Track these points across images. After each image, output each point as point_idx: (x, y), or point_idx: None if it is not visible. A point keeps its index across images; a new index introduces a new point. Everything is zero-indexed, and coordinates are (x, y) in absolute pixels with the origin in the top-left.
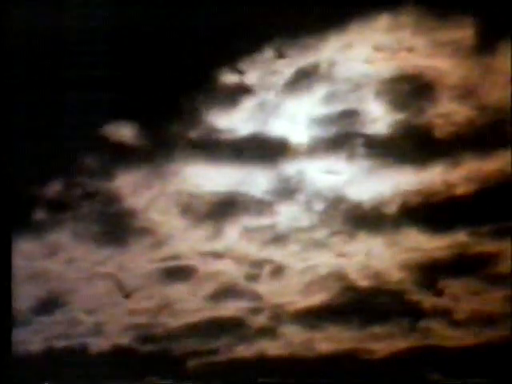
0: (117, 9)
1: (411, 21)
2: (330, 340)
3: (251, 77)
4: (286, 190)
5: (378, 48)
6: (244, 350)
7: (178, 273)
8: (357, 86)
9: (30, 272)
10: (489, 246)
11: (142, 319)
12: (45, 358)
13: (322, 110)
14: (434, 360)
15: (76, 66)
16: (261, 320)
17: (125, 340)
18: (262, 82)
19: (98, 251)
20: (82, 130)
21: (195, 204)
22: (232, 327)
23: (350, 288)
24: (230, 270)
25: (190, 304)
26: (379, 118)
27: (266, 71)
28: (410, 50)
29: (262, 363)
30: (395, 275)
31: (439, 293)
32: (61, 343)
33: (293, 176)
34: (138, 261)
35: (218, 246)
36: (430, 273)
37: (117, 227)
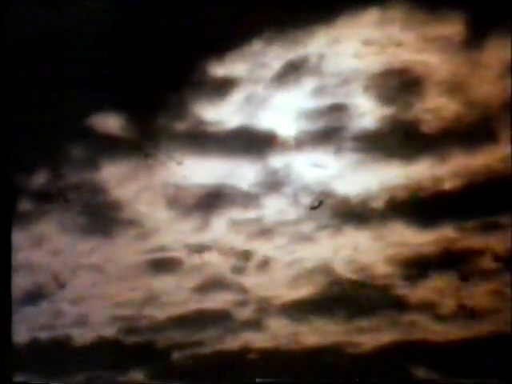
0: (103, 2)
1: (400, 15)
2: (315, 333)
3: (239, 69)
4: (273, 183)
5: (366, 42)
6: (230, 343)
7: (164, 265)
8: (345, 81)
9: (14, 262)
10: (475, 241)
11: (127, 311)
12: (29, 349)
13: (311, 104)
14: (419, 354)
15: (62, 58)
16: (247, 313)
17: (110, 331)
18: (250, 74)
19: (84, 242)
20: (69, 120)
21: (182, 196)
22: (218, 320)
23: (337, 282)
24: (216, 262)
25: (175, 296)
26: (367, 112)
27: (254, 64)
28: (399, 44)
29: (248, 356)
30: (382, 269)
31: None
32: (45, 334)
33: (280, 169)
34: (123, 252)
35: (205, 238)
36: (417, 267)
37: (103, 218)
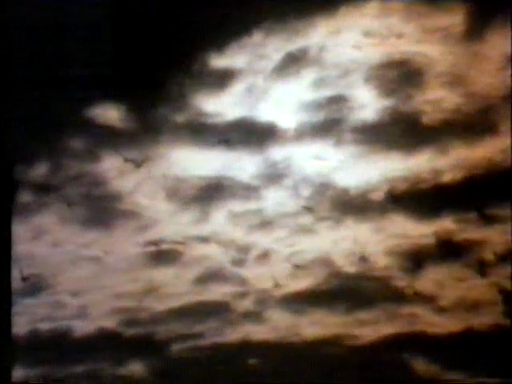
0: None
1: (400, 7)
2: (315, 325)
3: (239, 61)
4: (273, 175)
5: (367, 34)
6: (229, 335)
7: (164, 257)
8: (345, 72)
9: (14, 254)
10: (475, 233)
11: (126, 303)
12: (29, 341)
13: (311, 96)
14: (418, 346)
15: (62, 48)
16: (246, 304)
17: (109, 323)
18: (250, 66)
19: (83, 234)
20: (68, 112)
21: (181, 188)
22: (218, 312)
23: (337, 274)
24: (215, 254)
25: (175, 288)
26: (367, 104)
27: (254, 55)
28: (400, 36)
29: (247, 347)
30: (381, 261)
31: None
32: (45, 326)
33: (280, 161)
34: (123, 244)
35: (204, 230)
36: (417, 259)
37: (102, 210)
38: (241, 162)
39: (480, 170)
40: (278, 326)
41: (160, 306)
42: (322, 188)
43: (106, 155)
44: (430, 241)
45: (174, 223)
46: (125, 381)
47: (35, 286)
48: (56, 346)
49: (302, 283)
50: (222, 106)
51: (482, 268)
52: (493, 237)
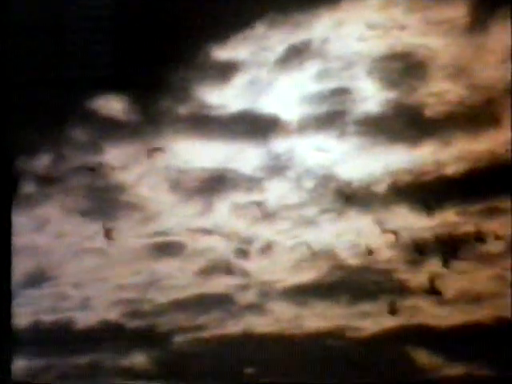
0: None
1: None
2: (317, 317)
3: (242, 53)
4: (276, 167)
5: (370, 26)
6: (232, 327)
7: (167, 249)
8: (349, 64)
9: (17, 245)
10: (478, 226)
11: (129, 294)
12: (32, 332)
13: (314, 88)
14: (420, 338)
15: (66, 39)
16: (249, 297)
17: (112, 315)
18: (253, 58)
19: (87, 226)
20: (71, 102)
21: (184, 180)
22: (220, 303)
23: (339, 266)
24: (218, 246)
25: (178, 280)
26: (371, 96)
27: (257, 47)
28: (403, 28)
29: (250, 339)
30: (384, 253)
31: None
32: (48, 317)
33: (283, 153)
34: (126, 236)
35: (208, 222)
36: (419, 251)
37: (105, 202)
38: (244, 153)
39: (483, 162)
40: (280, 317)
41: (163, 297)
42: (325, 180)
43: (109, 147)
44: (434, 233)
45: (177, 215)
46: (127, 372)
47: (38, 278)
48: (59, 337)
49: (305, 275)
50: (224, 98)
51: (486, 260)
52: (495, 229)
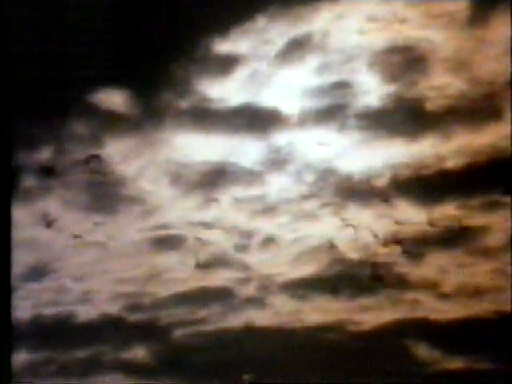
0: None
1: None
2: (318, 311)
3: (243, 46)
4: (277, 161)
5: (371, 19)
6: (232, 320)
7: (167, 242)
8: (349, 57)
9: (18, 239)
10: (478, 219)
11: (130, 288)
12: (32, 325)
13: (314, 81)
14: (421, 332)
15: (67, 32)
16: (249, 290)
17: (113, 308)
18: (253, 51)
19: (87, 219)
20: (72, 95)
21: (185, 173)
22: (220, 297)
23: (340, 260)
24: (219, 240)
25: (178, 273)
26: (371, 89)
27: (258, 41)
28: (404, 21)
29: (250, 333)
30: (384, 247)
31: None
32: (49, 311)
33: (283, 147)
34: (127, 229)
35: (208, 215)
36: (419, 245)
37: (106, 195)
38: (244, 147)
39: (484, 156)
40: (280, 311)
41: (163, 291)
42: (326, 174)
43: (110, 140)
44: (434, 227)
45: (177, 209)
46: (128, 365)
47: (39, 271)
48: (59, 331)
49: (306, 269)
50: (225, 91)
51: (486, 254)
52: (496, 223)
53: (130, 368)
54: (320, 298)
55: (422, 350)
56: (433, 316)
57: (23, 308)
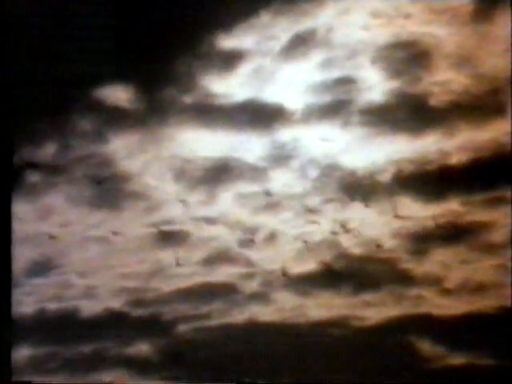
0: None
1: None
2: (321, 306)
3: (247, 42)
4: (281, 157)
5: (374, 14)
6: (236, 316)
7: (171, 238)
8: (353, 53)
9: (23, 234)
10: (481, 215)
11: (134, 283)
12: (37, 320)
13: (318, 77)
14: (424, 327)
15: (72, 29)
16: (253, 286)
17: (117, 303)
18: (258, 47)
19: (91, 214)
20: (77, 92)
21: (189, 169)
22: (224, 293)
23: (343, 255)
24: (223, 235)
25: (182, 269)
26: (375, 85)
27: (262, 36)
28: (407, 16)
29: (254, 328)
30: (388, 243)
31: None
32: (53, 305)
33: (287, 142)
34: (131, 225)
35: (212, 211)
36: (423, 241)
37: (110, 191)
38: (248, 143)
39: (487, 151)
40: (284, 307)
41: (167, 286)
42: (329, 169)
43: (114, 136)
44: (437, 222)
45: (181, 204)
46: (131, 360)
47: (43, 267)
48: (63, 326)
49: (309, 265)
50: (229, 87)
51: (489, 250)
52: (498, 219)
53: (134, 363)
54: (323, 294)
55: (425, 346)
56: (436, 311)
57: (28, 303)
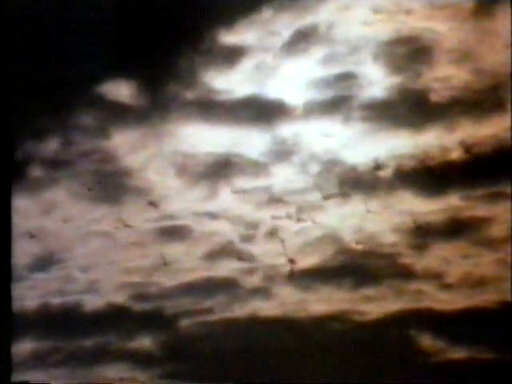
0: None
1: None
2: (322, 301)
3: (249, 38)
4: (282, 152)
5: (376, 10)
6: (237, 310)
7: (173, 232)
8: (354, 49)
9: (26, 229)
10: (481, 210)
11: (136, 278)
12: (40, 314)
13: (320, 73)
14: (424, 322)
15: (75, 25)
16: (254, 281)
17: (119, 298)
18: (259, 43)
19: (94, 209)
20: (80, 87)
21: (191, 164)
22: (226, 287)
23: (344, 250)
24: (224, 230)
25: (184, 264)
26: (376, 81)
27: (263, 32)
28: (408, 12)
29: (255, 323)
30: (388, 238)
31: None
32: (56, 300)
33: (288, 138)
34: (133, 220)
35: (213, 206)
36: (424, 236)
37: (113, 186)
38: (250, 138)
39: (487, 147)
40: (285, 301)
41: (169, 281)
42: (330, 165)
43: (117, 132)
44: (438, 217)
45: (183, 199)
46: (133, 354)
47: (46, 261)
48: (66, 320)
49: (310, 259)
50: (231, 83)
51: (489, 244)
52: (499, 214)
53: (136, 357)
54: (324, 289)
55: (426, 340)
56: (437, 306)
57: (31, 297)
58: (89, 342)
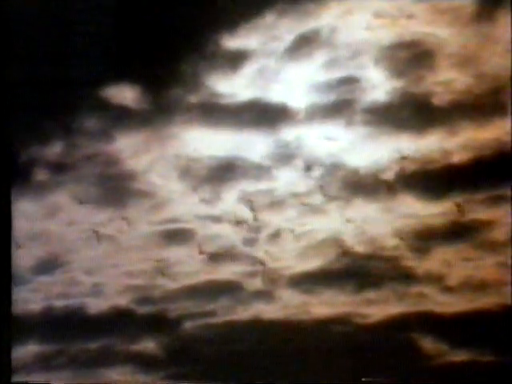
0: None
1: None
2: (325, 304)
3: (252, 42)
4: (284, 156)
5: (378, 15)
6: (240, 313)
7: (176, 236)
8: (356, 53)
9: (29, 232)
10: (484, 214)
11: (139, 281)
12: (44, 317)
13: (322, 77)
14: (426, 325)
15: (80, 28)
16: (257, 284)
17: (123, 301)
18: (262, 47)
19: (98, 213)
20: (83, 91)
21: (194, 168)
22: (229, 290)
23: (346, 253)
24: (227, 233)
25: (187, 267)
26: (378, 85)
27: (266, 37)
28: (410, 17)
29: (258, 326)
30: (390, 241)
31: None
32: (60, 303)
33: (291, 141)
34: (136, 223)
35: (216, 209)
36: (425, 239)
37: (116, 189)
38: (252, 142)
39: (490, 150)
40: (288, 304)
41: (172, 284)
42: (333, 168)
43: (120, 135)
44: (440, 221)
45: (186, 203)
46: (137, 357)
47: (50, 264)
48: (70, 323)
49: (312, 263)
50: (234, 86)
51: (491, 248)
52: (501, 217)
53: (140, 360)
54: (327, 292)
55: (427, 343)
56: (438, 309)
57: (34, 300)
58: (93, 345)
